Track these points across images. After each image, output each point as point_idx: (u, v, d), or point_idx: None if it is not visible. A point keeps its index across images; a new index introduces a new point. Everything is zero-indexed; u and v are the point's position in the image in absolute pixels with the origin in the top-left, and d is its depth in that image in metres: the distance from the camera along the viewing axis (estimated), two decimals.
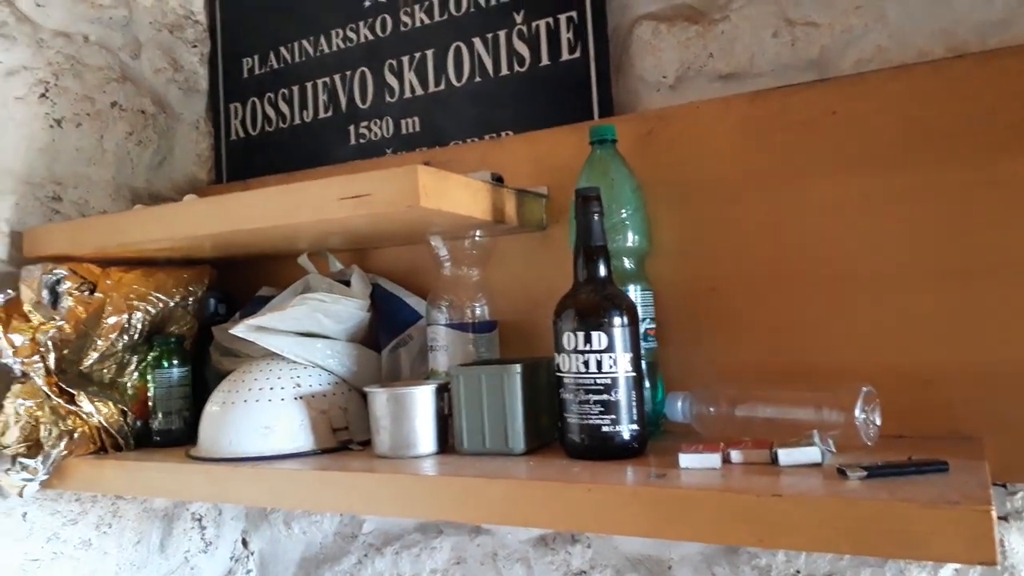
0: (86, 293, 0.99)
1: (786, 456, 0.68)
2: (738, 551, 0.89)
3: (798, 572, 0.86)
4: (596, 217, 0.77)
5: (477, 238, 0.94)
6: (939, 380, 0.77)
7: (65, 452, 0.94)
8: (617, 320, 0.74)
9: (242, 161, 1.28)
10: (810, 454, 0.67)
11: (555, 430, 0.82)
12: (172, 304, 1.06)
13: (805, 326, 0.83)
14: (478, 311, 0.94)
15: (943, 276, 0.78)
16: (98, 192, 1.14)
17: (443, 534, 1.09)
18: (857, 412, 0.70)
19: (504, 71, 1.04)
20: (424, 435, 0.82)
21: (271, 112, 1.25)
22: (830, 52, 0.86)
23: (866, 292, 0.80)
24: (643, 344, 0.80)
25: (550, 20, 1.00)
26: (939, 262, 0.78)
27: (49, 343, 0.94)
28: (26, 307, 0.95)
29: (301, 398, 0.90)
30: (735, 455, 0.70)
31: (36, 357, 0.94)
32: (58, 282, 0.97)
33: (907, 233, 0.79)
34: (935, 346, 0.78)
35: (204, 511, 1.23)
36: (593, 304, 0.76)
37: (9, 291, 0.96)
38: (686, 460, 0.69)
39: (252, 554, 1.28)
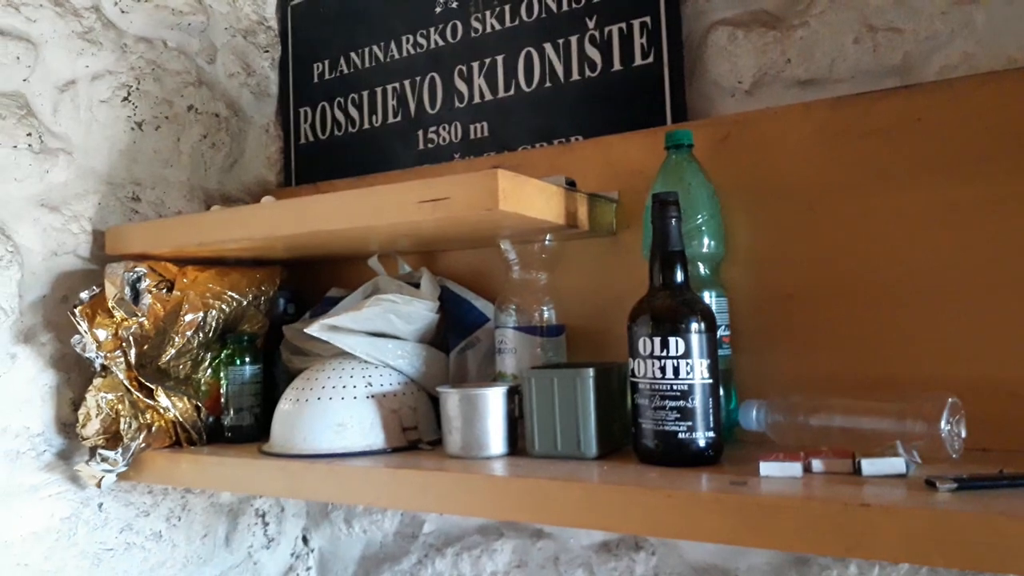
0: (164, 291, 1.02)
1: (870, 466, 0.67)
2: (808, 562, 0.88)
3: None
4: (674, 222, 0.77)
5: (547, 242, 0.95)
6: None
7: (143, 445, 0.97)
8: (695, 326, 0.74)
9: (311, 164, 1.30)
10: (895, 465, 0.66)
11: (626, 436, 0.82)
12: (245, 303, 1.08)
13: (885, 337, 0.81)
14: (546, 315, 0.94)
15: None
16: (174, 193, 1.17)
17: (504, 536, 1.09)
18: (942, 423, 0.69)
19: (575, 76, 1.04)
20: (495, 436, 0.83)
21: (340, 117, 1.27)
22: (913, 58, 0.85)
23: (950, 303, 0.79)
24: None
25: (623, 25, 1.01)
26: None
27: (131, 338, 0.97)
28: (110, 303, 0.98)
29: (373, 397, 0.91)
30: (816, 464, 0.69)
31: (118, 352, 0.97)
32: (139, 279, 1.00)
33: (993, 243, 0.77)
34: (1022, 359, 0.75)
35: (267, 507, 1.25)
36: (670, 309, 0.75)
37: (95, 287, 0.99)
38: (767, 468, 0.68)
39: (312, 551, 1.29)
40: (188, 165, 1.20)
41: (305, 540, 1.29)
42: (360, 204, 0.84)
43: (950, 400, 0.70)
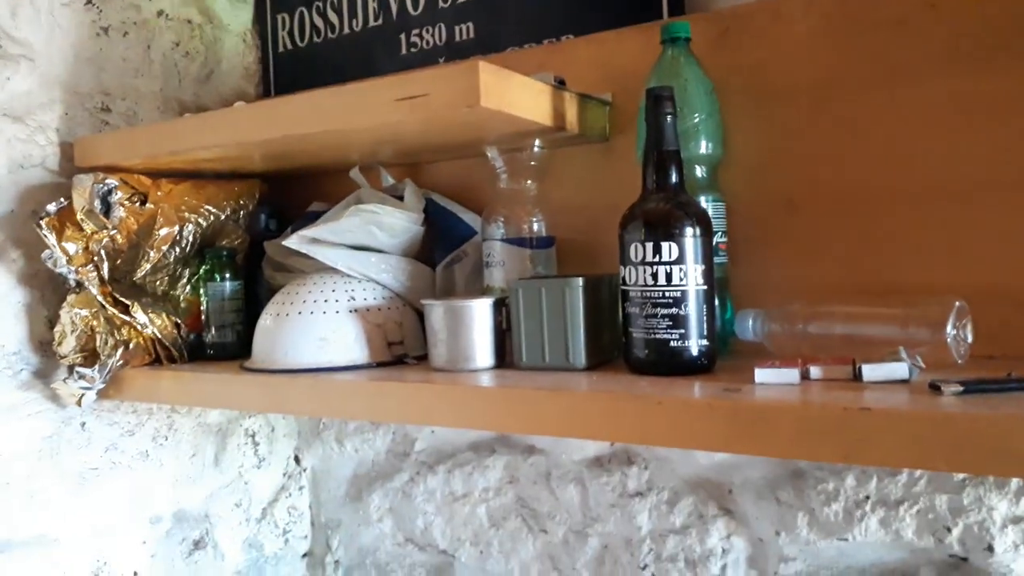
0: (137, 204, 0.98)
1: (870, 371, 0.64)
2: (804, 475, 0.86)
3: (867, 498, 0.83)
4: (669, 119, 0.72)
5: (535, 149, 0.90)
6: None
7: (121, 362, 0.94)
8: (689, 230, 0.70)
9: (290, 74, 1.24)
10: (897, 370, 0.63)
11: (616, 349, 0.80)
12: (223, 217, 1.04)
13: (890, 242, 0.77)
14: (535, 227, 0.90)
15: None
16: (146, 104, 1.12)
17: (496, 453, 1.08)
18: (948, 328, 0.66)
19: None
20: (482, 348, 0.80)
21: (319, 22, 1.20)
22: None
23: (958, 206, 0.74)
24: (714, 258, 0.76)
25: None
26: None
27: (102, 252, 0.93)
28: (78, 216, 0.93)
29: (356, 311, 0.88)
30: (814, 371, 0.66)
31: (90, 266, 0.93)
32: (110, 192, 0.96)
33: (1010, 141, 0.72)
34: None
35: (257, 427, 1.23)
36: (664, 213, 0.71)
37: (62, 199, 0.95)
38: (762, 375, 0.65)
39: (304, 471, 1.29)
40: (160, 75, 1.14)
41: (297, 460, 1.28)
42: (333, 104, 0.79)
43: (956, 304, 0.67)
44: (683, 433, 0.61)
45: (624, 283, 0.73)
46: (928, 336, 0.67)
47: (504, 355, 0.81)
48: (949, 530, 0.80)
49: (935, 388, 0.58)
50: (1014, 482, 0.77)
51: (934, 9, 0.75)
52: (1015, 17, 0.72)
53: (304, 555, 1.29)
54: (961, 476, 0.79)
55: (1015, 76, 0.72)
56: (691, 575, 0.94)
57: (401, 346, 0.90)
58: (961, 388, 0.57)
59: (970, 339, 0.68)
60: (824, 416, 0.56)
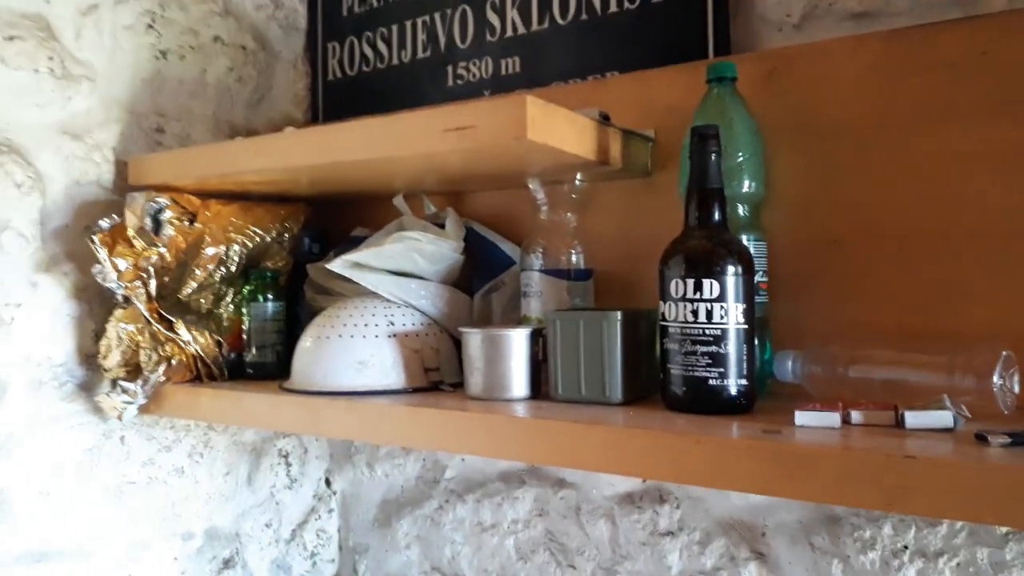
0: (186, 223, 1.00)
1: (914, 419, 0.63)
2: (840, 521, 0.85)
3: (906, 548, 0.81)
4: (713, 157, 0.73)
5: (577, 182, 0.91)
6: None
7: (163, 378, 0.96)
8: (731, 268, 0.70)
9: (338, 101, 1.27)
10: (941, 418, 0.62)
11: (653, 385, 0.79)
12: (268, 239, 1.06)
13: (933, 285, 0.76)
14: (574, 258, 0.91)
15: None
16: (199, 126, 1.15)
17: (526, 484, 1.07)
18: (995, 377, 0.65)
19: (612, 8, 0.99)
20: (518, 379, 0.80)
21: (369, 52, 1.23)
22: None
23: (1007, 251, 0.73)
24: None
25: None
26: None
27: (151, 269, 0.96)
28: (130, 233, 0.96)
29: (395, 336, 0.89)
30: (856, 416, 0.65)
31: (138, 282, 0.95)
32: (160, 211, 0.98)
33: None
34: None
35: (290, 448, 1.24)
36: (706, 250, 0.71)
37: (114, 216, 0.97)
38: (802, 418, 0.64)
39: (335, 493, 1.29)
40: (214, 98, 1.17)
41: (328, 482, 1.29)
42: (383, 133, 0.80)
43: (1004, 353, 0.66)
44: (721, 474, 0.61)
45: (663, 319, 0.73)
46: (973, 385, 0.66)
47: (539, 386, 0.82)
48: None
49: (981, 438, 0.57)
50: None
51: (985, 56, 0.74)
52: None
53: None
54: (1004, 530, 0.77)
55: None
56: None
57: (437, 372, 0.90)
58: (1009, 440, 0.56)
59: (1017, 389, 0.67)
60: (866, 462, 0.55)
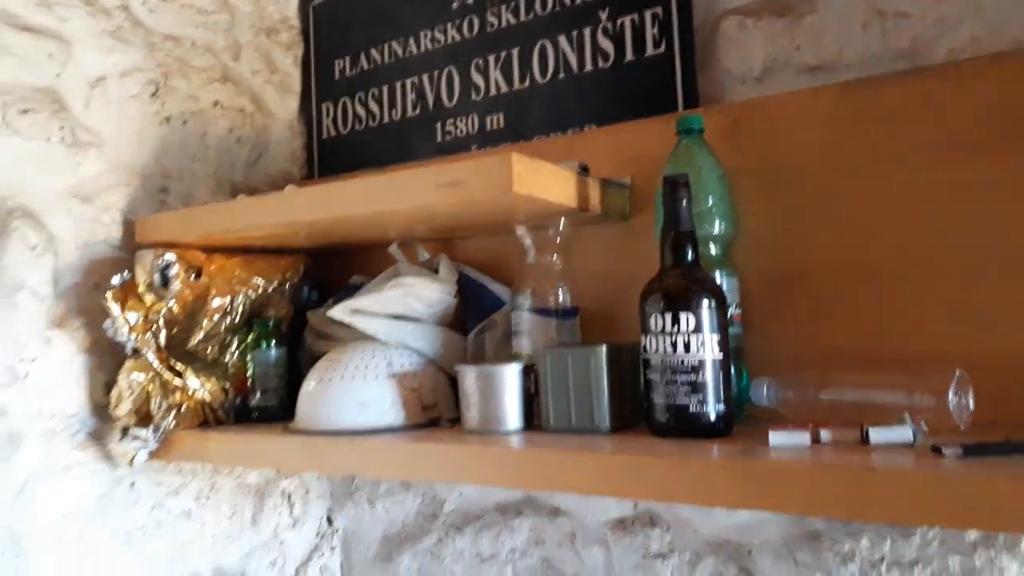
0: (192, 277, 1.06)
1: (877, 435, 0.68)
2: (820, 537, 0.90)
3: (882, 559, 0.86)
4: (684, 202, 0.79)
5: (561, 228, 0.97)
6: None
7: (174, 424, 1.00)
8: (705, 302, 0.76)
9: (333, 158, 1.34)
10: (902, 433, 0.68)
11: (638, 414, 0.84)
12: (270, 289, 1.12)
13: (895, 313, 0.83)
14: (560, 298, 0.97)
15: None
16: (201, 186, 1.21)
17: (522, 515, 1.12)
18: (950, 395, 0.71)
19: (588, 67, 1.07)
20: (512, 412, 0.85)
21: (361, 111, 1.30)
22: (922, 43, 0.87)
23: (958, 280, 0.80)
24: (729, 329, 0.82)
25: (635, 16, 1.03)
26: None
27: (160, 321, 1.01)
28: (140, 288, 1.01)
29: (393, 376, 0.94)
30: (824, 434, 0.71)
31: (148, 335, 1.01)
32: (168, 266, 1.04)
33: (1002, 222, 0.78)
34: None
35: (293, 488, 1.28)
36: (682, 287, 0.78)
37: (126, 272, 1.03)
38: (776, 438, 0.70)
39: (336, 531, 1.33)
40: (215, 159, 1.24)
41: (329, 520, 1.33)
42: (381, 189, 0.87)
43: (957, 373, 0.72)
44: (703, 492, 0.66)
45: (645, 351, 0.79)
46: (932, 403, 0.72)
47: (532, 418, 0.87)
48: None
49: (937, 451, 0.63)
50: None
51: (929, 104, 0.82)
52: (1004, 112, 0.79)
53: None
54: (972, 537, 0.82)
55: (1008, 164, 0.78)
56: None
57: (435, 409, 0.95)
58: (961, 451, 0.62)
59: (972, 406, 0.73)
60: (833, 476, 0.61)
